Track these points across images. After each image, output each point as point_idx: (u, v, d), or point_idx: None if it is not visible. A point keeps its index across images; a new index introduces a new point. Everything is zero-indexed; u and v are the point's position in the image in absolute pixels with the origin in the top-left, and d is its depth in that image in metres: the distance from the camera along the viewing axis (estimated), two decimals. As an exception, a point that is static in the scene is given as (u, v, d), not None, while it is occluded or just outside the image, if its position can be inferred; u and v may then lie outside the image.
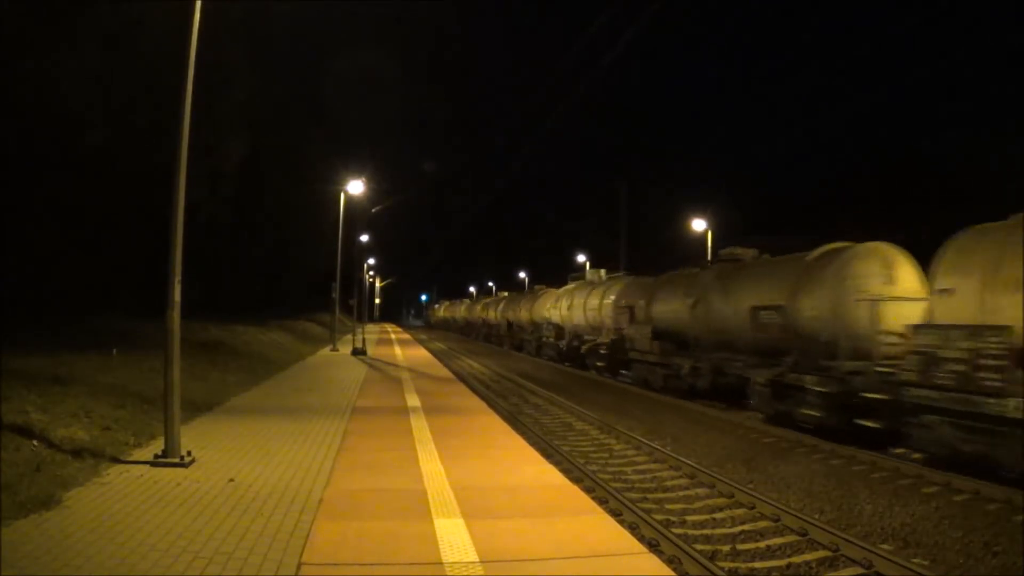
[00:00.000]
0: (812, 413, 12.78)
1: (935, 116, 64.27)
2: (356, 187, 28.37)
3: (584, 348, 27.32)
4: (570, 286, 33.30)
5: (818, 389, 12.63)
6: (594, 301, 27.83)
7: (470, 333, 60.80)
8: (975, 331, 9.47)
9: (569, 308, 30.35)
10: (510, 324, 43.99)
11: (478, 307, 61.56)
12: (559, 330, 31.87)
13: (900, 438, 11.12)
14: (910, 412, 10.47)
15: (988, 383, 9.09)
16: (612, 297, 25.84)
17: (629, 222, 43.00)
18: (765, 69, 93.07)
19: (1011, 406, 8.72)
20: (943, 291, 10.70)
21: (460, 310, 75.08)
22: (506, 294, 57.16)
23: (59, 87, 17.34)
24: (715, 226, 33.68)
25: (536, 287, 45.96)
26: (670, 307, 19.91)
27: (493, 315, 50.79)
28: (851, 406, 11.94)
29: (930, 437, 10.13)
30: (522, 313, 40.38)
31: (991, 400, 9.01)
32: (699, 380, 17.45)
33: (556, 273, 42.98)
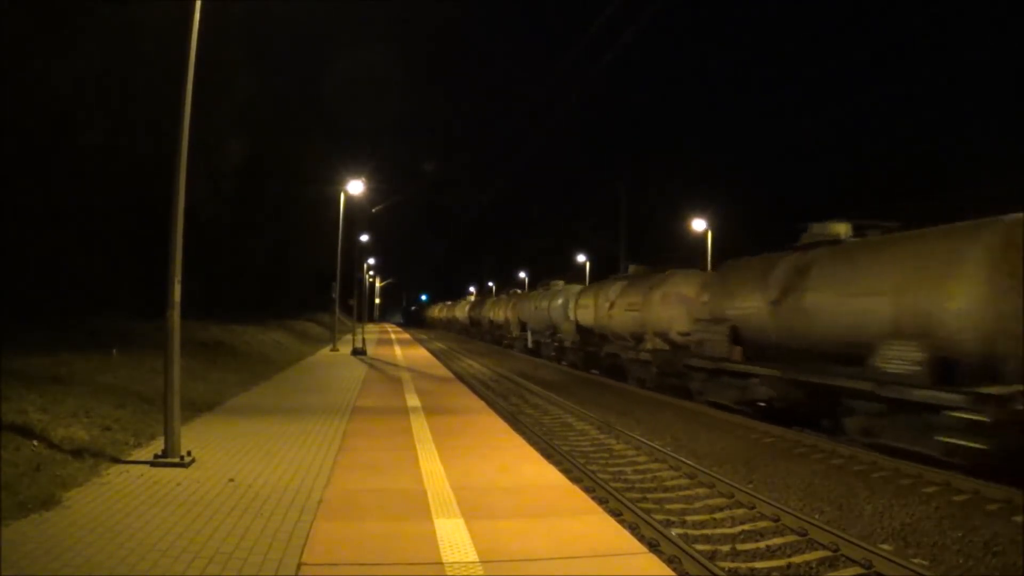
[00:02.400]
0: None
1: (937, 115, 64.26)
2: (356, 187, 28.41)
3: (623, 356, 22.75)
4: (573, 288, 33.36)
5: None
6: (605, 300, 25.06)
7: (452, 329, 62.78)
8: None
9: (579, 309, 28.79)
10: (491, 323, 49.18)
11: (463, 307, 67.11)
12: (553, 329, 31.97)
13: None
14: None
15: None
16: (665, 290, 20.62)
17: (629, 222, 42.95)
18: (765, 69, 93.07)
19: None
20: None
21: (455, 311, 78.02)
22: (496, 296, 58.94)
23: (59, 87, 17.34)
24: (715, 226, 33.71)
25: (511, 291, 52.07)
26: (748, 303, 15.43)
27: (490, 314, 53.12)
28: None
29: None
30: (502, 312, 41.95)
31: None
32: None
33: (555, 274, 43.00)
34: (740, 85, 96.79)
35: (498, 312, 48.94)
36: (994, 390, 9.33)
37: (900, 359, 10.74)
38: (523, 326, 38.79)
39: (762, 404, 14.45)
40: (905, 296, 11.03)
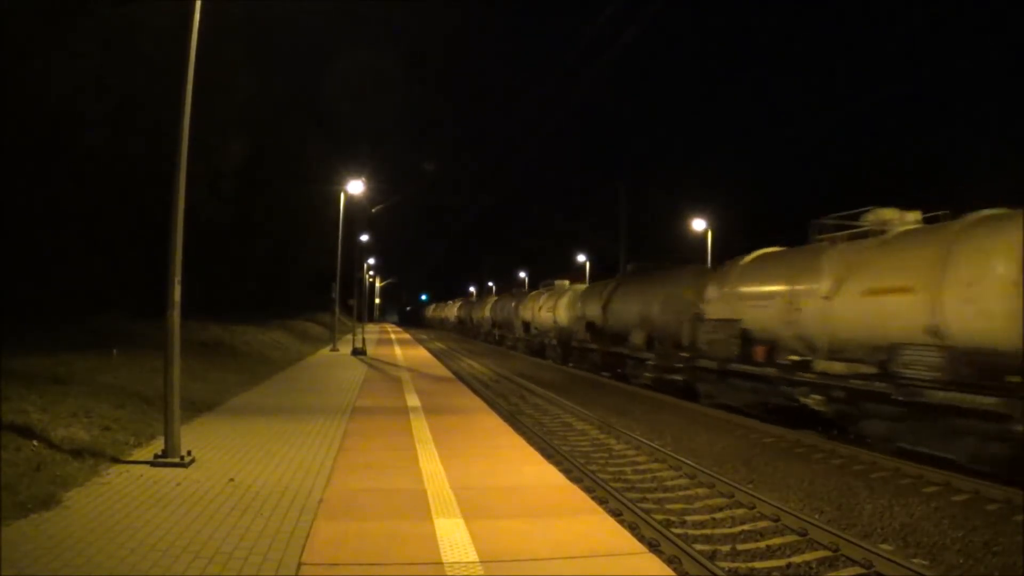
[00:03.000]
0: None
1: (938, 115, 64.31)
2: (356, 187, 28.39)
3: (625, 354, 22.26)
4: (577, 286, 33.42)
5: None
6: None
7: (452, 329, 64.69)
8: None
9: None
10: (491, 322, 51.32)
11: (462, 307, 70.16)
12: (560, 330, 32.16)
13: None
14: None
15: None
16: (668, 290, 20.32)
17: (629, 222, 42.94)
18: (766, 68, 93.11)
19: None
20: None
21: (453, 310, 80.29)
22: (495, 296, 59.67)
23: (59, 87, 17.35)
24: (715, 226, 33.71)
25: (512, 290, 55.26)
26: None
27: (479, 314, 56.44)
28: None
29: None
30: (525, 312, 41.98)
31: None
32: None
33: (555, 273, 43.02)
34: (740, 85, 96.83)
35: (497, 312, 49.22)
36: None
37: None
38: (526, 326, 39.19)
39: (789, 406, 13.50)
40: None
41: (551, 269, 52.78)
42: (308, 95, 42.64)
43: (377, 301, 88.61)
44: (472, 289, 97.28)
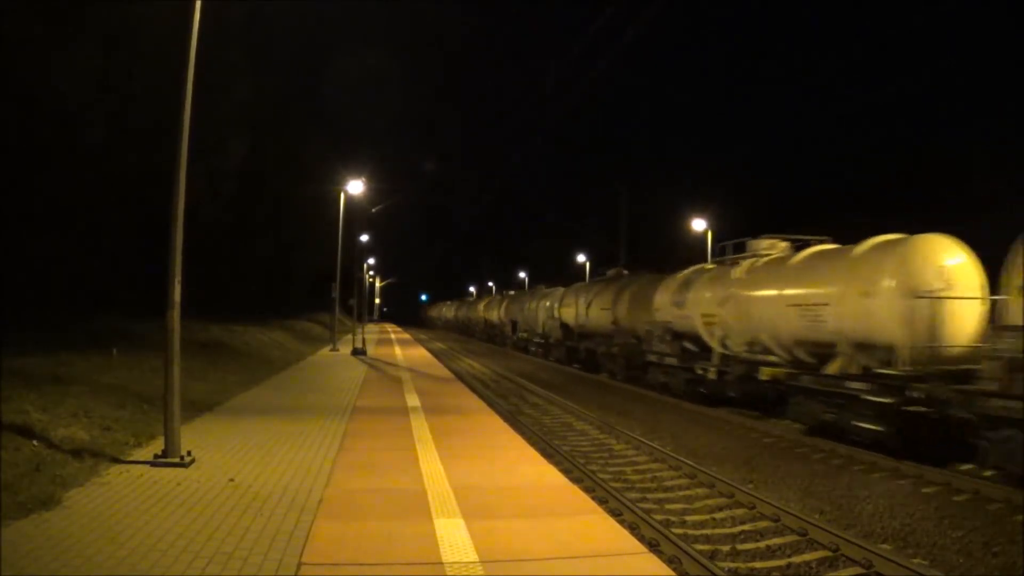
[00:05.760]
0: None
1: (938, 114, 64.25)
2: (356, 187, 28.41)
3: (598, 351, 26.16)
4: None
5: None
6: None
7: (451, 328, 67.55)
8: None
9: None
10: (486, 322, 53.89)
11: (461, 307, 72.50)
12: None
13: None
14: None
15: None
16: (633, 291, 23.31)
17: (629, 222, 42.93)
18: (766, 68, 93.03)
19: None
20: None
21: (452, 310, 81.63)
22: (501, 294, 59.85)
23: (59, 87, 17.34)
24: (715, 226, 33.69)
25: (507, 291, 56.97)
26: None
27: (479, 314, 57.32)
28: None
29: None
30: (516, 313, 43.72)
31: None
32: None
33: (555, 274, 43.14)
34: (740, 85, 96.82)
35: (497, 312, 49.41)
36: None
37: None
38: (514, 325, 40.12)
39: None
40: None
41: (551, 269, 52.87)
42: (308, 95, 42.70)
43: (377, 301, 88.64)
44: (472, 289, 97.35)
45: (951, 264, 11.58)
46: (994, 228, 11.60)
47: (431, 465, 7.85)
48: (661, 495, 9.25)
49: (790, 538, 7.45)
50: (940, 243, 11.81)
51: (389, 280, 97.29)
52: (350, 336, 34.30)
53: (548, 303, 34.27)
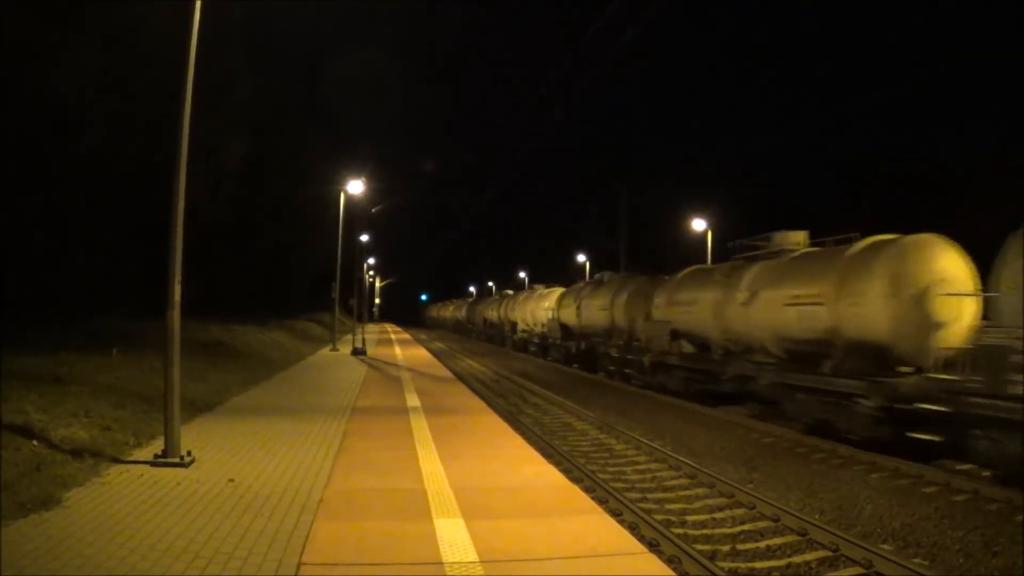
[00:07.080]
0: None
1: (938, 114, 64.27)
2: (356, 187, 28.41)
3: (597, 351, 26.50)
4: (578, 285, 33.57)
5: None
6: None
7: (450, 328, 69.26)
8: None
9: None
10: (485, 322, 54.51)
11: (456, 307, 74.64)
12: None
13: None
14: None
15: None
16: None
17: (629, 222, 42.95)
18: (765, 67, 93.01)
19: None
20: None
21: (452, 310, 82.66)
22: (498, 295, 60.18)
23: (59, 87, 17.32)
24: (715, 226, 33.68)
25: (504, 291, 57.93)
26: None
27: (486, 314, 56.50)
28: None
29: None
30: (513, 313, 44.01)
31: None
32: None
33: (555, 273, 43.16)
34: (741, 85, 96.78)
35: (496, 312, 49.48)
36: None
37: None
38: (513, 325, 40.30)
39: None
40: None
41: (551, 269, 52.85)
42: (308, 95, 42.68)
43: (377, 301, 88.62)
44: (472, 289, 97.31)
45: (943, 263, 11.71)
46: (988, 226, 11.70)
47: (431, 465, 7.85)
48: (661, 495, 9.25)
49: (790, 538, 7.45)
50: (932, 243, 11.95)
51: (389, 280, 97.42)
52: (350, 336, 34.29)
53: (547, 303, 34.56)
